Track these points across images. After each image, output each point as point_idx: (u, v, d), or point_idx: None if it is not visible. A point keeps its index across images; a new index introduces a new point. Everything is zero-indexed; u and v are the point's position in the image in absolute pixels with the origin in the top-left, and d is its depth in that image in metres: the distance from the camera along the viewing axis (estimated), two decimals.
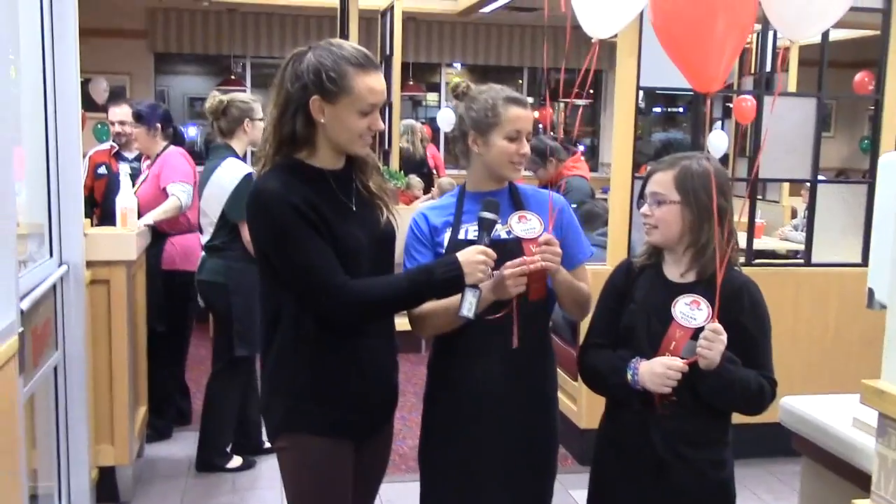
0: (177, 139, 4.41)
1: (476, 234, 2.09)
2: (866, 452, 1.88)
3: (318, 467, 2.00)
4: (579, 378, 3.92)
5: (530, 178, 5.83)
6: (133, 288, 3.56)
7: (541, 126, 3.31)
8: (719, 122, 8.25)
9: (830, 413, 2.14)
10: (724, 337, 1.88)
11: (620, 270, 2.19)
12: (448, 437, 2.20)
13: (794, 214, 7.39)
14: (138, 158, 4.63)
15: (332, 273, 1.88)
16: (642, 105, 4.38)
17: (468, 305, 1.94)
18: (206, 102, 3.78)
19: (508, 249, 2.05)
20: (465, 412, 2.16)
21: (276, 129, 1.96)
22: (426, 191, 7.30)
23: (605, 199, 5.87)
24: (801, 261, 4.25)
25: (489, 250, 1.96)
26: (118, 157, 4.72)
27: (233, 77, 10.79)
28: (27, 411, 2.52)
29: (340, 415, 1.99)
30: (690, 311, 1.93)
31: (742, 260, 2.10)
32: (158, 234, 4.09)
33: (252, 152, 3.57)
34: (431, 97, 12.41)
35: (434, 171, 8.24)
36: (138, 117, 4.23)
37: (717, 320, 1.91)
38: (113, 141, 4.79)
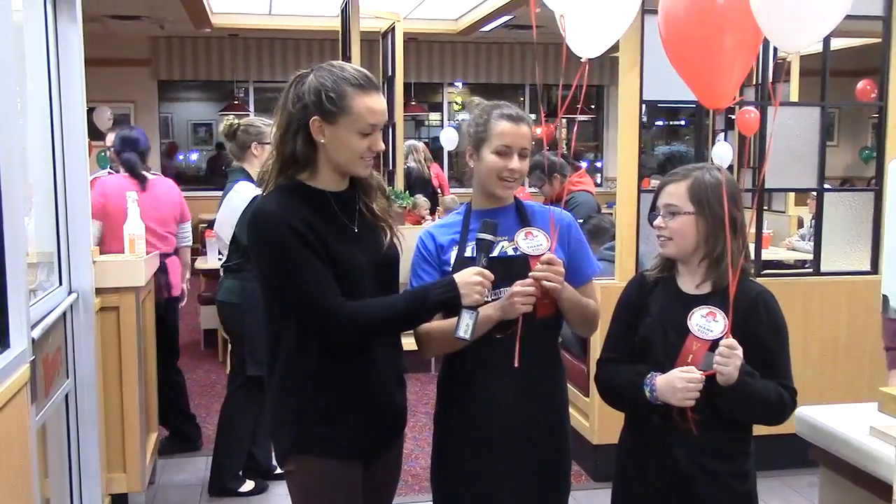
0: (130, 167, 4.27)
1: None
2: (884, 461, 1.86)
3: (326, 490, 1.99)
4: (591, 394, 3.94)
5: (536, 194, 5.84)
6: (142, 314, 3.56)
7: (544, 142, 3.31)
8: (723, 134, 8.27)
9: (847, 422, 2.12)
10: (740, 351, 1.87)
11: (634, 284, 2.18)
12: (459, 457, 2.18)
13: (800, 224, 7.38)
14: None
15: (327, 294, 1.88)
16: (645, 119, 4.40)
17: (464, 327, 1.93)
18: (220, 126, 3.87)
19: (515, 266, 2.05)
20: (475, 432, 2.15)
21: (278, 150, 1.97)
22: (431, 210, 7.32)
23: (611, 214, 5.87)
24: (810, 270, 4.23)
25: (486, 272, 1.96)
26: None
27: (236, 102, 10.86)
28: (39, 440, 2.52)
29: (347, 436, 1.98)
30: (707, 322, 1.92)
31: (751, 271, 2.09)
32: None
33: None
34: (434, 117, 12.46)
35: (438, 191, 8.26)
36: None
37: (731, 333, 1.89)
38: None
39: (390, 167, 7.24)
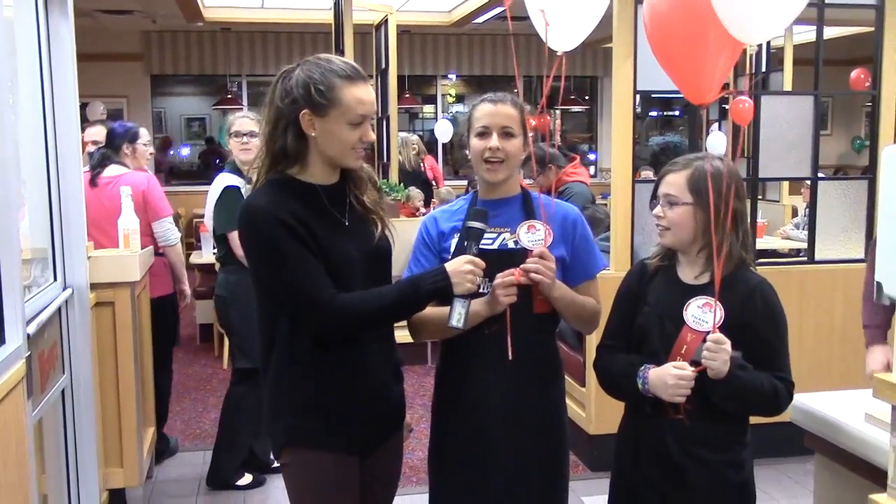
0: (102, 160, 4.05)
1: (485, 241, 2.08)
2: (880, 447, 1.87)
3: (321, 482, 2.00)
4: (587, 384, 3.94)
5: (531, 185, 5.83)
6: (137, 309, 3.55)
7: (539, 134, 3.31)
8: (716, 124, 8.27)
9: (842, 409, 2.13)
10: (728, 346, 1.87)
11: (635, 272, 2.18)
12: (454, 450, 2.18)
13: (794, 213, 7.39)
14: None
15: (318, 288, 1.87)
16: (639, 109, 4.41)
17: (457, 316, 1.93)
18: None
19: (514, 260, 2.04)
20: (470, 425, 2.15)
21: (267, 145, 1.97)
22: (426, 202, 7.31)
23: (606, 205, 5.88)
24: (805, 259, 4.25)
25: (477, 260, 1.95)
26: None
27: (229, 96, 10.84)
28: (36, 435, 2.52)
29: (342, 429, 1.98)
30: (702, 313, 1.92)
31: (751, 261, 2.08)
32: None
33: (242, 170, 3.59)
34: (428, 109, 12.45)
35: (433, 182, 8.25)
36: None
37: (727, 324, 1.89)
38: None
39: (385, 160, 7.23)
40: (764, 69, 7.80)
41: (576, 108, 12.12)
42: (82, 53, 3.13)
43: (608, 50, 3.92)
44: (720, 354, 1.86)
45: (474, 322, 2.04)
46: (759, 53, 7.52)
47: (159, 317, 3.99)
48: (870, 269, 2.72)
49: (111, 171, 3.99)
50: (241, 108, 10.82)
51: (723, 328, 1.90)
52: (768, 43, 7.92)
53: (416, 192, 6.98)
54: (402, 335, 2.15)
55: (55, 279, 2.92)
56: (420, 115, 12.79)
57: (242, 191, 3.45)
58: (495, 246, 2.10)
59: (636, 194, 3.85)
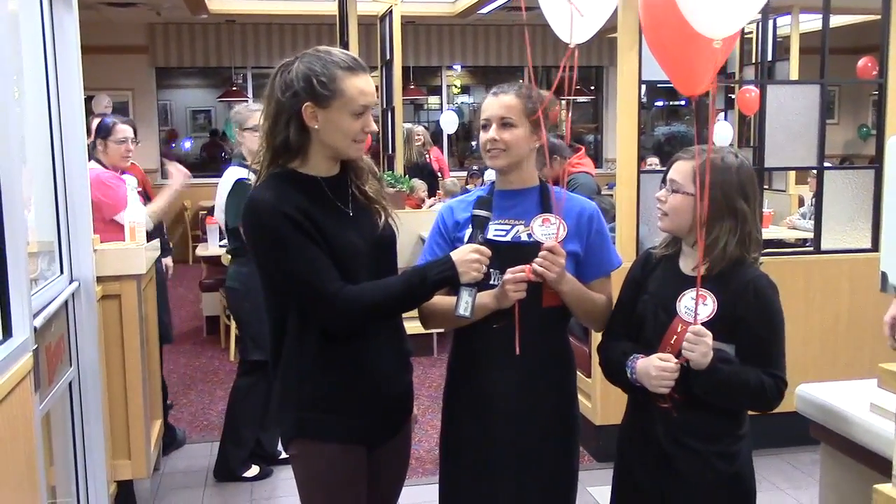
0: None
1: (498, 233, 2.08)
2: (885, 437, 1.87)
3: (329, 474, 2.00)
4: (593, 375, 3.95)
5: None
6: (144, 301, 3.57)
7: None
8: (722, 114, 8.25)
9: (847, 399, 2.13)
10: (709, 339, 1.86)
11: (640, 260, 2.18)
12: (463, 445, 2.18)
13: (801, 203, 7.37)
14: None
15: (325, 281, 1.87)
16: (644, 99, 4.39)
17: (464, 305, 1.93)
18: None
19: (526, 252, 2.03)
20: (478, 420, 2.14)
21: (268, 139, 1.96)
22: (431, 193, 7.31)
23: (611, 195, 5.86)
24: (811, 248, 4.23)
25: (483, 248, 1.95)
26: None
27: (234, 88, 10.84)
28: (44, 428, 2.53)
29: (350, 421, 1.99)
30: (694, 305, 1.92)
31: (752, 258, 2.06)
32: None
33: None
34: (433, 100, 12.43)
35: (439, 174, 8.25)
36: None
37: (718, 317, 1.89)
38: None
39: (389, 152, 7.22)
40: (770, 58, 7.77)
41: (581, 99, 12.09)
42: (87, 46, 3.13)
43: (613, 40, 3.91)
44: (699, 347, 1.86)
45: (482, 314, 2.04)
46: (764, 42, 7.48)
47: None
48: None
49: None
50: (247, 101, 10.82)
51: (716, 321, 1.89)
52: (774, 32, 7.89)
53: (419, 184, 6.98)
54: (411, 326, 2.15)
55: (62, 272, 2.93)
56: (425, 107, 12.78)
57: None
58: (508, 238, 2.10)
59: (641, 184, 3.84)
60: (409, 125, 8.07)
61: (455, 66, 11.90)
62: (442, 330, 2.25)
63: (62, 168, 2.97)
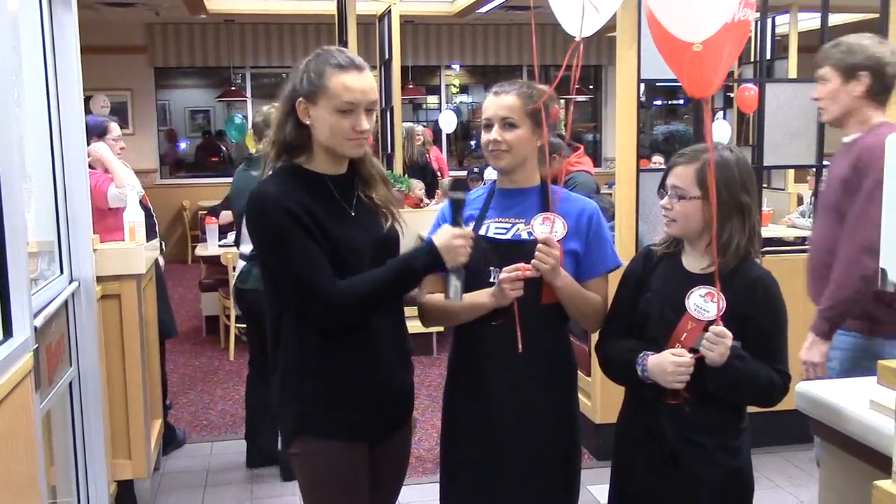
0: None
1: (499, 231, 2.08)
2: (885, 434, 1.87)
3: (330, 471, 2.01)
4: (593, 373, 3.95)
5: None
6: (144, 301, 3.57)
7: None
8: (721, 112, 8.25)
9: (847, 396, 2.13)
10: (729, 339, 1.87)
11: (640, 258, 2.18)
12: (463, 443, 2.18)
13: (800, 201, 7.37)
14: None
15: (318, 277, 1.88)
16: (643, 98, 4.39)
17: (452, 289, 1.93)
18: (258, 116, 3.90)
19: (525, 251, 2.03)
20: (479, 418, 2.14)
21: (276, 134, 2.00)
22: (431, 193, 7.30)
23: (610, 194, 5.87)
24: (810, 247, 4.23)
25: (466, 230, 1.94)
26: None
27: (233, 88, 10.83)
28: (44, 428, 2.53)
29: (350, 417, 2.00)
30: (705, 303, 1.92)
31: (757, 254, 2.07)
32: None
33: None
34: (432, 100, 12.43)
35: (438, 173, 8.25)
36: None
37: (728, 315, 1.89)
38: None
39: (388, 151, 7.22)
40: (769, 56, 7.77)
41: (580, 98, 12.09)
42: (86, 46, 3.13)
43: (612, 39, 3.91)
44: (719, 347, 1.86)
45: (481, 313, 2.04)
46: (763, 40, 7.48)
47: None
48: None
49: None
50: (246, 101, 10.83)
51: (724, 319, 1.89)
52: (773, 30, 7.89)
53: (415, 182, 6.98)
54: (409, 325, 2.15)
55: (61, 272, 2.93)
56: (424, 106, 12.77)
57: None
58: (509, 236, 2.10)
59: (641, 183, 3.84)
60: (409, 124, 8.07)
61: (454, 66, 11.90)
62: (441, 329, 2.25)
63: (62, 168, 2.97)
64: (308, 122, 1.94)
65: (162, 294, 4.17)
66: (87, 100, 4.67)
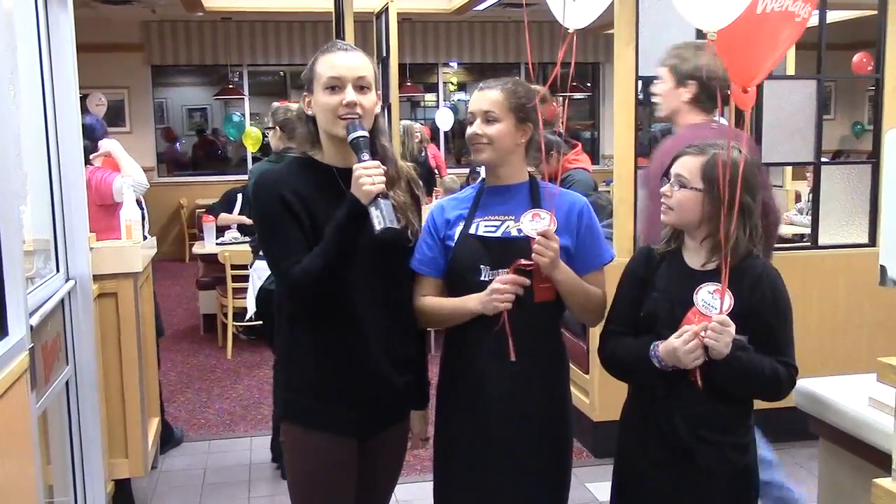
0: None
1: (488, 229, 2.08)
2: (884, 431, 1.87)
3: (314, 461, 2.03)
4: (591, 371, 3.94)
5: (533, 172, 5.80)
6: (140, 300, 3.56)
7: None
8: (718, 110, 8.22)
9: (846, 394, 2.13)
10: (732, 329, 1.87)
11: (641, 257, 2.16)
12: (457, 444, 2.17)
13: (798, 198, 7.37)
14: None
15: (283, 258, 1.94)
16: (641, 96, 4.38)
17: (378, 220, 1.86)
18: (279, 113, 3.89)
19: (517, 248, 2.02)
20: (471, 420, 2.13)
21: (301, 129, 2.12)
22: (429, 190, 7.30)
23: (608, 192, 5.86)
24: (808, 244, 4.23)
25: (369, 162, 1.89)
26: None
27: (231, 86, 10.81)
28: (41, 427, 2.53)
29: (334, 409, 2.01)
30: (713, 299, 1.91)
31: (759, 250, 2.07)
32: None
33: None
34: (429, 97, 12.43)
35: (436, 171, 8.24)
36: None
37: (734, 309, 1.89)
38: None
39: None
40: None
41: (578, 95, 12.08)
42: (82, 44, 3.12)
43: (609, 36, 3.90)
44: (723, 337, 1.86)
45: (466, 318, 2.06)
46: None
47: None
48: None
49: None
50: (243, 98, 10.81)
51: (731, 314, 1.89)
52: None
53: None
54: None
55: (58, 270, 2.92)
56: (422, 104, 12.76)
57: None
58: (499, 234, 2.09)
59: (638, 181, 3.83)
60: (407, 122, 8.05)
61: (451, 63, 11.88)
62: (440, 327, 2.24)
63: (58, 166, 2.96)
64: (310, 113, 2.01)
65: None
66: (83, 98, 4.66)
